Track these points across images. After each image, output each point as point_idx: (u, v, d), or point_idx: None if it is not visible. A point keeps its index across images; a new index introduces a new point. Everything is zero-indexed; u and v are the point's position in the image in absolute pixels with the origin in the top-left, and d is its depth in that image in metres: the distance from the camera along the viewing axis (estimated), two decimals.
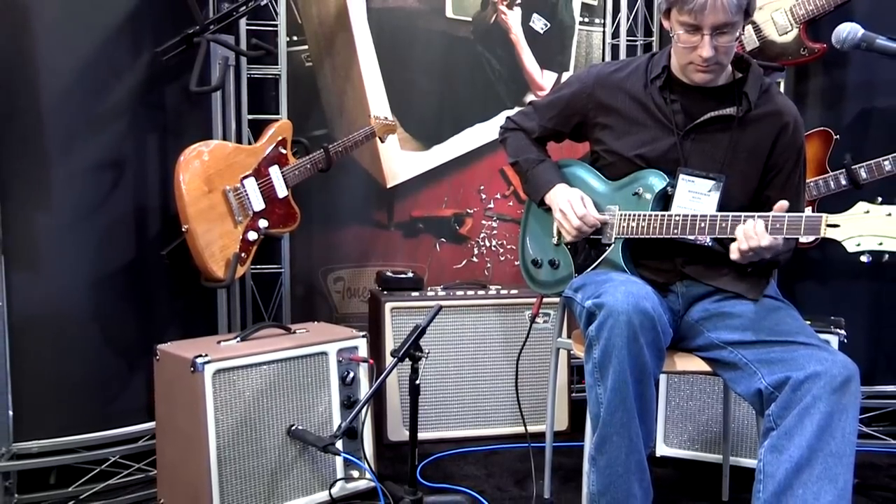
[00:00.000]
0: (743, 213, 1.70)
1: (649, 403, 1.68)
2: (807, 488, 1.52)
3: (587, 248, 1.96)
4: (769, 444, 1.59)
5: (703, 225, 1.76)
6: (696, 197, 1.82)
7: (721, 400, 2.36)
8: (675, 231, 1.80)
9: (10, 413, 2.12)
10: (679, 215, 1.79)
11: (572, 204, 1.91)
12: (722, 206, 1.80)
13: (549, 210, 2.02)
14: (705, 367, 1.81)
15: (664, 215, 1.82)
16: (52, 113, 2.15)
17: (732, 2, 1.67)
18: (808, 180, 2.51)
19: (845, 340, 2.30)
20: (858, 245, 1.60)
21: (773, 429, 1.60)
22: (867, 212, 1.59)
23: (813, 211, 2.54)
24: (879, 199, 1.60)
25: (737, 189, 1.84)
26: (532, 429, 2.50)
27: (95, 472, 2.26)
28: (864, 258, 1.62)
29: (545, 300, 2.36)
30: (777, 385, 1.60)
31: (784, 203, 1.65)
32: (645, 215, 1.84)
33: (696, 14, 1.69)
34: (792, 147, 1.85)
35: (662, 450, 2.50)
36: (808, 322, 2.32)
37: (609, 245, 1.91)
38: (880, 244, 1.58)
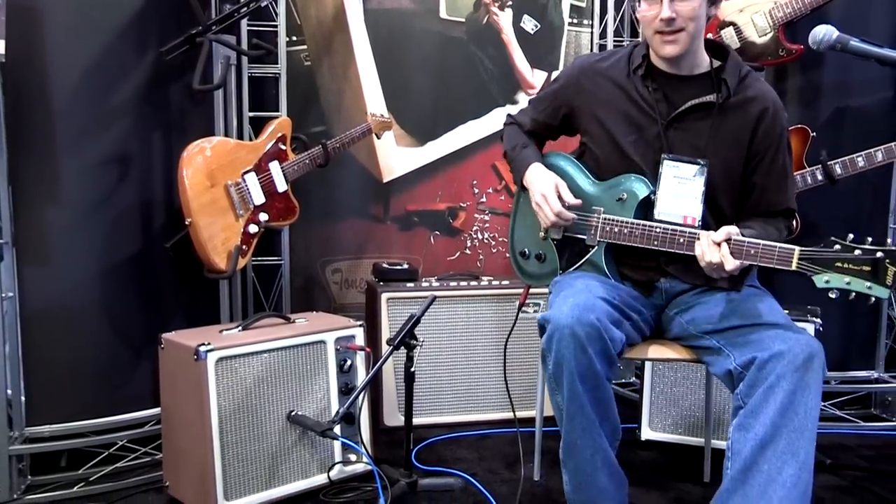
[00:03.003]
0: (725, 228, 1.70)
1: (607, 404, 1.71)
2: (771, 463, 1.56)
3: (571, 247, 1.99)
4: (737, 423, 1.63)
5: (682, 240, 1.79)
6: (682, 181, 1.84)
7: (703, 386, 2.42)
8: (655, 243, 1.82)
9: (23, 399, 2.17)
10: (660, 228, 1.82)
11: (547, 198, 1.92)
12: (707, 192, 1.83)
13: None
14: (679, 355, 1.87)
15: (646, 226, 1.84)
16: (61, 110, 2.19)
17: None
18: None
19: (821, 328, 2.35)
20: (827, 282, 1.60)
21: (741, 407, 1.63)
22: (838, 248, 1.59)
23: None
24: (851, 236, 1.60)
25: (719, 174, 1.86)
26: (524, 414, 2.59)
27: (104, 455, 2.30)
28: (832, 294, 1.61)
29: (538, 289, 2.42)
30: (745, 365, 1.64)
31: (726, 230, 1.67)
32: (627, 223, 1.87)
33: None
34: (773, 132, 1.86)
35: (647, 434, 2.56)
36: (786, 311, 2.39)
37: (592, 247, 1.94)
38: (848, 283, 1.58)
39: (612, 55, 2.00)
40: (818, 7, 2.48)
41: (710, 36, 2.63)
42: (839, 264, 1.58)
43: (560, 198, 1.92)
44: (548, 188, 1.93)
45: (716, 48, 1.92)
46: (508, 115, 2.21)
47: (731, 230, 1.69)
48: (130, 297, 2.34)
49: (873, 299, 1.58)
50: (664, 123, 1.88)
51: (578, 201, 1.92)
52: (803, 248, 1.62)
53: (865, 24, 2.65)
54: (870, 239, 1.59)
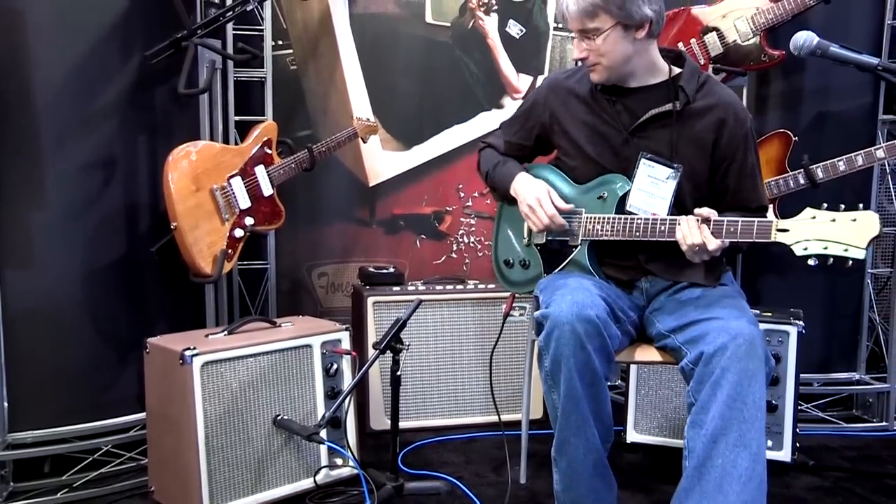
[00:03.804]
0: (704, 210, 1.76)
1: (603, 403, 1.73)
2: (724, 457, 1.58)
3: (555, 249, 2.02)
4: (690, 420, 1.66)
5: (663, 228, 1.83)
6: (655, 182, 1.89)
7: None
8: (638, 234, 1.86)
9: (6, 405, 2.15)
10: (641, 219, 1.86)
11: (541, 202, 1.95)
12: (676, 195, 1.88)
13: (515, 202, 2.05)
14: (668, 358, 1.87)
15: (627, 219, 1.88)
16: (45, 113, 2.18)
17: (573, 10, 1.80)
18: (769, 180, 2.60)
19: (803, 331, 2.37)
20: (805, 249, 1.65)
21: (693, 404, 1.66)
22: (814, 217, 1.65)
23: (774, 209, 2.64)
24: (825, 204, 1.66)
25: (685, 178, 1.89)
26: (510, 417, 2.60)
27: (88, 460, 2.28)
28: (811, 262, 1.67)
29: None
30: (695, 361, 1.67)
31: (707, 210, 1.74)
32: (609, 218, 1.91)
33: (566, 20, 1.86)
34: (737, 135, 1.89)
35: (633, 436, 2.56)
36: (769, 314, 2.42)
37: (576, 247, 1.97)
38: (825, 248, 1.64)
39: (578, 71, 2.04)
40: (799, 13, 2.51)
41: (694, 42, 2.67)
42: (816, 230, 1.64)
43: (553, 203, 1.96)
44: (541, 193, 1.97)
45: (675, 55, 1.97)
46: (481, 140, 2.24)
47: (711, 212, 1.74)
48: (115, 301, 2.34)
49: (850, 262, 1.65)
50: (628, 133, 1.92)
51: (570, 206, 1.96)
52: (781, 220, 1.68)
53: (846, 30, 2.67)
54: (842, 206, 1.66)
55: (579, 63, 1.91)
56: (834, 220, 1.64)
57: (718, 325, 1.68)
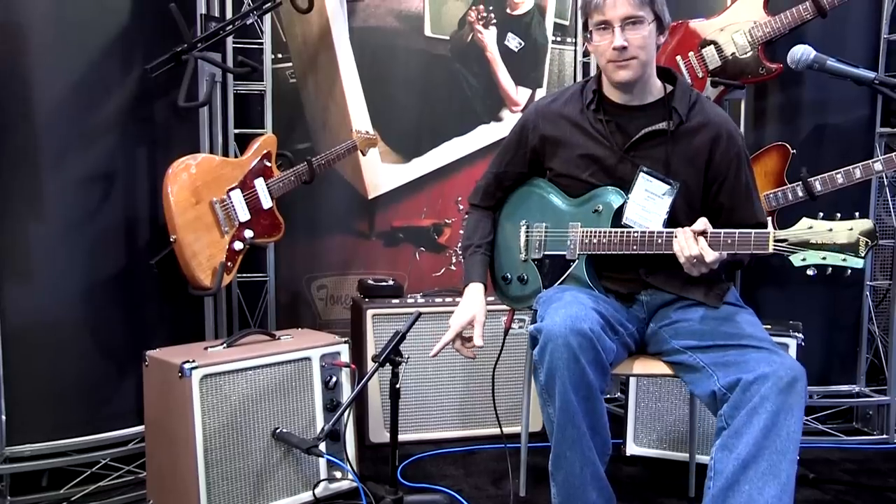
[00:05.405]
0: (701, 220, 1.76)
1: (600, 416, 1.72)
2: (752, 484, 1.56)
3: (552, 265, 2.02)
4: (720, 443, 1.64)
5: (660, 241, 1.82)
6: (651, 197, 1.89)
7: (687, 401, 2.42)
8: (635, 247, 1.86)
9: (3, 417, 2.14)
10: (638, 232, 1.86)
11: (453, 323, 2.04)
12: (670, 212, 1.88)
13: (511, 220, 2.10)
14: (665, 370, 1.88)
15: (624, 232, 1.88)
16: (45, 127, 2.19)
17: None
18: (767, 192, 2.61)
19: (803, 343, 2.37)
20: (804, 259, 1.65)
21: (724, 428, 1.64)
22: (810, 227, 1.65)
23: (773, 221, 2.64)
24: (821, 214, 1.67)
25: (679, 196, 1.89)
26: (509, 430, 2.57)
27: (87, 474, 2.28)
28: (809, 272, 1.68)
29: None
30: (729, 386, 1.65)
31: (703, 220, 1.75)
32: (606, 232, 1.90)
33: (604, 10, 1.81)
34: (729, 153, 1.90)
35: (632, 449, 2.56)
36: (768, 326, 2.41)
37: (573, 261, 1.96)
38: (823, 258, 1.64)
39: (564, 94, 2.04)
40: (797, 27, 2.52)
41: (693, 55, 2.68)
42: (814, 241, 1.64)
43: (462, 336, 2.04)
44: (462, 319, 2.04)
45: (666, 73, 1.97)
46: (469, 202, 2.24)
47: (707, 223, 1.74)
48: (114, 314, 2.34)
49: (849, 271, 1.64)
50: (621, 153, 1.92)
51: (478, 345, 2.03)
52: (778, 231, 1.68)
53: (842, 44, 2.69)
54: (839, 214, 1.67)
55: (614, 54, 1.84)
56: (831, 230, 1.64)
57: (759, 355, 1.66)
